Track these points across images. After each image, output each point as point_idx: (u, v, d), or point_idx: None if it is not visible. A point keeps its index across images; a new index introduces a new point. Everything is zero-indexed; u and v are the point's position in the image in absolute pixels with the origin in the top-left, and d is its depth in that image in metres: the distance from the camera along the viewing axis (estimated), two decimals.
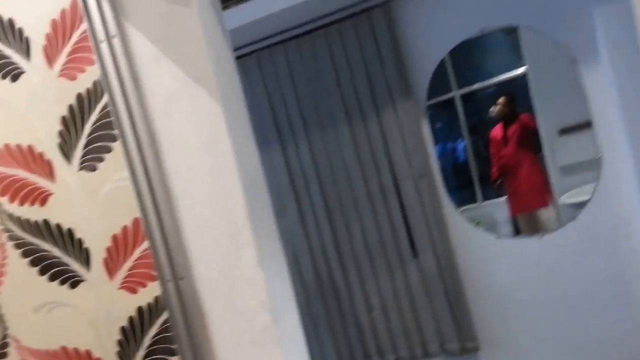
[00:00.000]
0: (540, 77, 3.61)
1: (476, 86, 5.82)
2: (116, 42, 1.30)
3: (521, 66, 4.38)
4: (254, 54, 3.23)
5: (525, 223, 3.66)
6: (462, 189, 3.93)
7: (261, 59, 3.24)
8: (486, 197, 3.71)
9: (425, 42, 3.10)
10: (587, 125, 2.99)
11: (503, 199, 3.58)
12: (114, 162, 1.33)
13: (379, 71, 3.08)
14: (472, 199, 3.67)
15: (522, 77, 4.31)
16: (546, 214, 3.55)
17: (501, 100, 4.65)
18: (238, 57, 3.14)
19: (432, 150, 3.22)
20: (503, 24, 3.04)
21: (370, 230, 3.23)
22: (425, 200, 3.14)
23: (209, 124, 1.25)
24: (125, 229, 1.34)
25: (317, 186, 3.26)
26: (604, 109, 2.84)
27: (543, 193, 3.55)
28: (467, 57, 3.68)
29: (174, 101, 1.28)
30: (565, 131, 3.40)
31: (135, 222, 1.32)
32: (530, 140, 4.29)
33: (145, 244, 1.32)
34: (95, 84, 1.32)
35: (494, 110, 4.76)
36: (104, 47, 1.30)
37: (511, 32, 3.24)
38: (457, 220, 3.23)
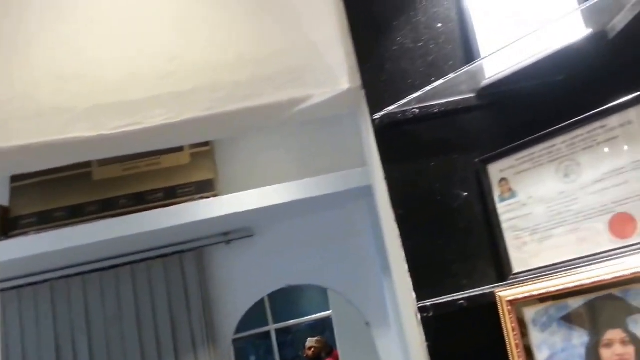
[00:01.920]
0: (343, 331, 3.82)
1: (292, 322, 5.98)
2: None
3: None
4: (47, 283, 2.97)
5: None
6: None
7: (55, 290, 2.97)
8: None
9: (236, 289, 3.15)
10: None
11: None
12: None
13: (185, 314, 2.99)
14: None
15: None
16: None
17: (314, 340, 4.77)
18: (22, 286, 2.89)
19: None
20: (310, 283, 3.25)
21: None
22: None
23: None
24: None
25: None
26: None
27: None
28: (285, 295, 3.80)
29: None
30: None
31: None
32: None
33: None
34: None
35: (307, 347, 4.84)
36: None
37: None
38: None
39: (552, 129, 1.10)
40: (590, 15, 1.06)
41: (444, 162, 1.22)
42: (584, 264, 1.02)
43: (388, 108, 1.23)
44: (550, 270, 1.07)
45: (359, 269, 3.15)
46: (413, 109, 1.24)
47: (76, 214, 2.74)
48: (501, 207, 1.17)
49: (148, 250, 3.05)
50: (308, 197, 2.62)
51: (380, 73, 1.28)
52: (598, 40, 1.06)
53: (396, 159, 1.24)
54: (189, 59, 1.28)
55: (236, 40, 1.30)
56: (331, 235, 3.15)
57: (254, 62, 1.29)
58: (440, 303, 1.13)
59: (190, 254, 3.07)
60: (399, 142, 1.25)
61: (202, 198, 2.77)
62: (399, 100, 1.23)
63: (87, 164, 2.79)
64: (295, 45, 1.31)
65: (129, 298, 2.99)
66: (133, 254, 3.05)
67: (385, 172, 1.23)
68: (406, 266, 1.17)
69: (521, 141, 1.14)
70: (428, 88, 1.19)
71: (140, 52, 1.28)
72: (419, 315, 1.15)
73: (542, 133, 1.11)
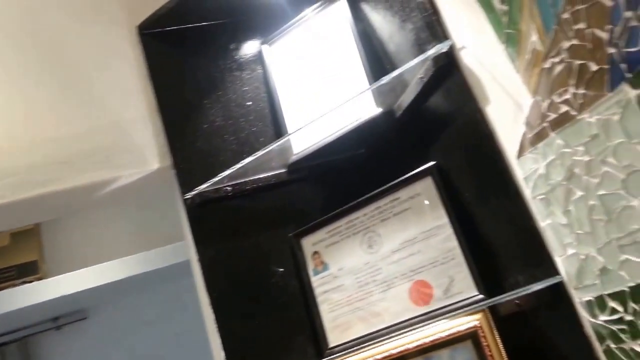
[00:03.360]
0: None
1: None
2: None
3: None
4: None
5: None
6: None
7: None
8: None
9: None
10: None
11: None
12: None
13: None
14: None
15: None
16: None
17: None
18: None
19: None
20: None
21: None
22: None
23: None
24: None
25: None
26: None
27: None
28: None
29: None
30: None
31: None
32: None
33: None
34: None
35: None
36: None
37: None
38: None
39: (355, 202, 1.15)
40: (379, 96, 1.14)
41: (259, 239, 1.22)
42: (391, 334, 1.05)
43: (200, 187, 1.21)
44: (362, 343, 1.08)
45: (209, 346, 3.01)
46: (226, 186, 1.22)
47: None
48: (315, 281, 1.18)
49: None
50: (142, 272, 2.48)
51: (192, 151, 1.26)
52: (387, 117, 1.14)
53: (210, 238, 1.20)
54: None
55: (32, 122, 1.21)
56: (177, 311, 2.98)
57: (52, 145, 1.19)
58: None
59: (14, 345, 2.72)
60: (213, 221, 1.22)
61: (24, 282, 2.50)
62: (211, 178, 1.20)
63: None
64: (99, 126, 1.25)
65: None
66: None
67: (198, 253, 1.19)
68: (223, 354, 1.12)
69: (329, 215, 1.17)
70: (239, 165, 1.19)
71: None
72: None
73: (346, 206, 1.15)
